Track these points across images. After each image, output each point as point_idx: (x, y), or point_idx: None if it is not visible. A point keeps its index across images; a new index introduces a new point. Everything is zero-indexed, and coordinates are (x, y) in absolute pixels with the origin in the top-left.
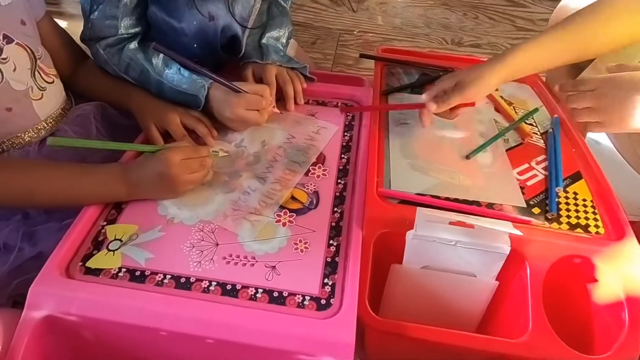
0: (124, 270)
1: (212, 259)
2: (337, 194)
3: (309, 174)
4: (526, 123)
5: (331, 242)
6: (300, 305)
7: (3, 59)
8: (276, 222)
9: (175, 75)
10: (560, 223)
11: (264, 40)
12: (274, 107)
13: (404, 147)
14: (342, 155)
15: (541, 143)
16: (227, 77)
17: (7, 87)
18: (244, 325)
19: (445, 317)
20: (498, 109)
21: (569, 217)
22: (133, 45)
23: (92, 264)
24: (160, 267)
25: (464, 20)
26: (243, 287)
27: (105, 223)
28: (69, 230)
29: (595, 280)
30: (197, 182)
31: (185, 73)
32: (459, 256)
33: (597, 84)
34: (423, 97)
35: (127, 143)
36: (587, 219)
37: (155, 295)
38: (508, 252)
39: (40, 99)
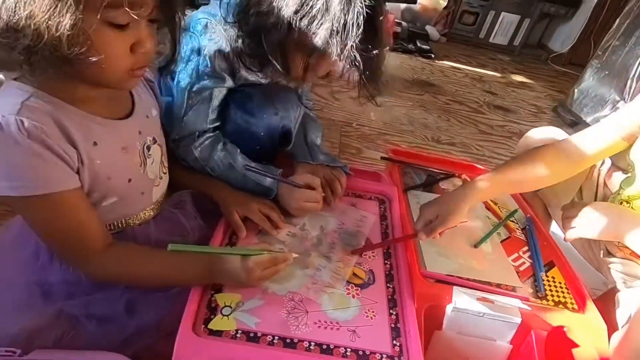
0: (240, 332)
1: (306, 323)
2: (387, 272)
3: (362, 255)
4: (510, 221)
5: (391, 311)
6: None
7: (149, 154)
8: (347, 294)
9: None
10: (547, 300)
11: (308, 140)
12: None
13: None
14: None
15: (523, 237)
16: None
17: (145, 177)
18: None
19: None
20: (488, 207)
21: (552, 295)
22: (220, 146)
23: (213, 326)
24: (268, 329)
25: (439, 121)
26: (335, 346)
27: (213, 292)
28: (190, 298)
29: (577, 345)
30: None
31: None
32: (483, 325)
33: (581, 206)
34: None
35: (231, 247)
36: (564, 297)
37: (271, 352)
38: (519, 322)
39: (158, 185)
